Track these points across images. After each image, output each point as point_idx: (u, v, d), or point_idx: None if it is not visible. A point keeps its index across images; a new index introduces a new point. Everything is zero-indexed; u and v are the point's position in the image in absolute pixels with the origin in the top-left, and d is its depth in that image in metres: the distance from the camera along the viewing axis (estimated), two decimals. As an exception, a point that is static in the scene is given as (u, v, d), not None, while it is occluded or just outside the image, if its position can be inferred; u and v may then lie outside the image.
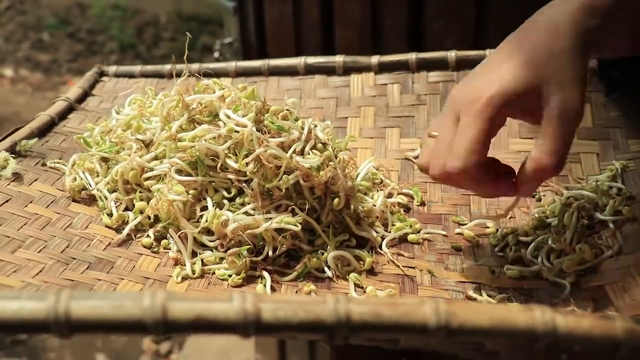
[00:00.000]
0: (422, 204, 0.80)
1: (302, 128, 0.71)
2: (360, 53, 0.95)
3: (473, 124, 0.60)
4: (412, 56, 0.91)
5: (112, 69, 1.00)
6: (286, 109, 0.73)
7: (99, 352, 2.09)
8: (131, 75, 0.99)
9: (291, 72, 0.95)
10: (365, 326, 0.38)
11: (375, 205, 0.75)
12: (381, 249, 0.72)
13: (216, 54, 1.67)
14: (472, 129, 0.60)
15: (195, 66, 0.95)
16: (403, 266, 0.70)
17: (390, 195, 0.80)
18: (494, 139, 0.83)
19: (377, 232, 0.73)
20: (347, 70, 0.93)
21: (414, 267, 0.70)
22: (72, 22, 3.27)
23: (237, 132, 0.69)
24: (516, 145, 0.84)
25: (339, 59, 0.93)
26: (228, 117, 0.70)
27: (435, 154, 0.63)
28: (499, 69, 0.61)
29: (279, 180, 0.68)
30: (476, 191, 0.67)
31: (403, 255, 0.72)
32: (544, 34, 0.61)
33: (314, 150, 0.70)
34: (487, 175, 0.63)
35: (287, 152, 0.68)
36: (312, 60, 0.94)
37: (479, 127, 0.60)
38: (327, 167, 0.69)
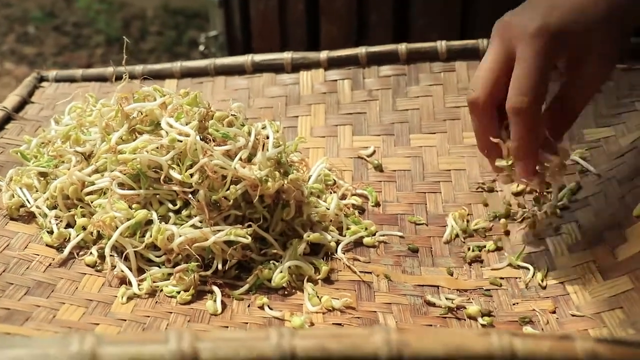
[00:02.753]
0: (377, 204, 0.77)
1: (249, 134, 0.68)
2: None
3: (538, 55, 0.58)
4: (361, 50, 0.89)
5: (52, 73, 0.95)
6: (232, 114, 0.70)
7: None
8: (72, 80, 0.95)
9: (239, 70, 0.92)
10: (312, 362, 0.36)
11: (328, 209, 0.73)
12: (336, 254, 0.70)
13: (201, 48, 1.66)
14: (537, 60, 0.58)
15: (138, 68, 0.91)
16: (359, 271, 0.68)
17: (344, 197, 0.77)
18: (448, 134, 0.83)
19: (331, 237, 0.71)
20: (296, 67, 0.91)
21: (370, 272, 0.68)
22: (58, 15, 3.19)
23: (180, 141, 0.65)
24: (470, 139, 0.81)
25: (287, 55, 0.90)
26: (170, 126, 0.67)
27: (482, 80, 0.62)
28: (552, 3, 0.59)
29: (226, 191, 0.65)
30: (527, 136, 0.60)
31: (359, 260, 0.70)
32: None
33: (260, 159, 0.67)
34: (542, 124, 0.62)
35: (233, 161, 0.65)
36: (259, 57, 0.91)
37: (544, 59, 0.58)
38: (277, 176, 0.67)
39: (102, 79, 0.94)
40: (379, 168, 0.81)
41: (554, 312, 0.62)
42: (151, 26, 2.96)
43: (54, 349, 0.35)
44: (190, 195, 0.66)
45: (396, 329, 0.37)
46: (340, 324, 0.61)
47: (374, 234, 0.73)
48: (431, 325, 0.61)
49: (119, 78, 0.79)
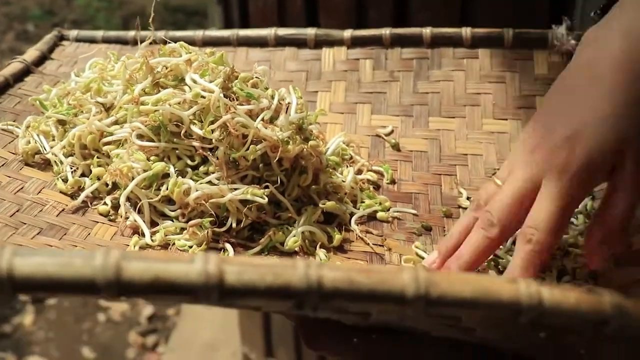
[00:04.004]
0: (393, 182, 0.77)
1: (272, 97, 0.68)
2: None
3: (566, 195, 0.54)
4: (386, 31, 0.89)
5: (73, 33, 0.95)
6: (256, 77, 0.69)
7: (85, 345, 2.05)
8: (92, 40, 0.94)
9: (261, 43, 0.91)
10: (338, 293, 0.35)
11: (344, 182, 0.73)
12: (350, 226, 0.70)
13: None
14: (562, 200, 0.54)
15: (160, 33, 0.91)
16: (372, 244, 0.67)
17: (359, 172, 0.77)
18: (467, 119, 0.82)
19: (345, 208, 0.71)
20: (319, 43, 0.90)
21: (382, 245, 0.68)
22: (57, 13, 3.21)
23: (204, 97, 0.65)
24: (489, 126, 0.82)
25: (310, 31, 0.90)
26: (194, 81, 0.67)
27: (494, 208, 0.57)
28: (580, 114, 0.55)
29: (246, 150, 0.64)
30: (525, 265, 0.56)
31: (372, 233, 0.69)
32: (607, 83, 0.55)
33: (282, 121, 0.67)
34: None
35: (255, 121, 0.65)
36: (282, 32, 0.91)
37: (573, 200, 0.55)
38: (297, 140, 0.66)
39: (123, 41, 0.94)
40: (396, 147, 0.80)
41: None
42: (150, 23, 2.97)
43: (79, 259, 0.35)
44: (209, 152, 0.65)
45: (425, 269, 0.36)
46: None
47: (388, 210, 0.72)
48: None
49: (137, 43, 0.79)
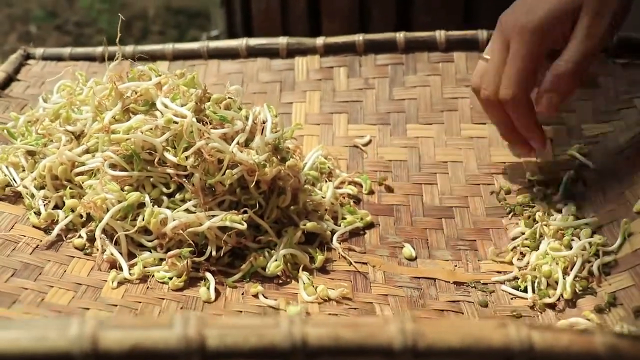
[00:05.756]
0: (371, 192, 0.76)
1: (247, 118, 0.66)
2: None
3: (523, 51, 0.65)
4: (359, 37, 0.87)
5: (39, 51, 0.92)
6: (229, 97, 0.68)
7: None
8: (60, 58, 0.92)
9: (232, 54, 0.90)
10: (324, 351, 0.34)
11: (324, 197, 0.71)
12: (332, 244, 0.69)
13: None
14: (522, 56, 0.66)
15: (129, 48, 0.89)
16: (355, 262, 0.67)
17: (339, 187, 0.76)
18: (446, 125, 0.82)
19: (327, 226, 0.69)
20: (291, 52, 0.89)
21: (366, 263, 0.67)
22: (60, 15, 3.15)
23: (176, 122, 0.63)
24: (468, 131, 0.81)
25: (282, 40, 0.88)
26: (166, 106, 0.65)
27: (488, 77, 0.69)
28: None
29: (222, 175, 0.63)
30: (521, 122, 0.70)
31: (354, 250, 0.68)
32: None
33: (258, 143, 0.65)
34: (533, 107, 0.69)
35: (230, 145, 0.63)
36: (254, 42, 0.89)
37: (530, 55, 0.65)
38: (274, 162, 0.65)
39: (90, 58, 0.92)
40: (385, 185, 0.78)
41: (553, 308, 0.61)
42: (153, 26, 2.92)
43: (53, 331, 0.33)
44: (184, 179, 0.64)
45: (412, 319, 0.35)
46: (336, 315, 0.60)
47: (370, 224, 0.72)
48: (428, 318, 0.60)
49: (107, 59, 0.77)
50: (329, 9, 1.24)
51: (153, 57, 0.89)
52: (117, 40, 0.73)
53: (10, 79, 0.87)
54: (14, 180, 0.68)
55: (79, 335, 0.33)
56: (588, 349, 0.35)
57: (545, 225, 0.67)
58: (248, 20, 1.39)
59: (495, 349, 0.35)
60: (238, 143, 0.64)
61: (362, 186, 0.76)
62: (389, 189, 0.76)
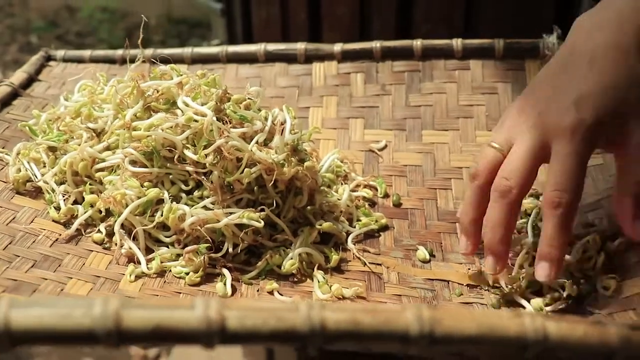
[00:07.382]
0: (386, 195, 0.77)
1: (266, 119, 0.67)
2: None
3: (580, 154, 0.57)
4: (376, 44, 0.88)
5: (60, 53, 0.94)
6: (249, 98, 0.69)
7: (87, 356, 2.03)
8: (80, 60, 0.93)
9: (250, 59, 0.91)
10: (342, 335, 0.35)
11: (340, 200, 0.72)
12: (347, 245, 0.69)
13: None
14: (577, 158, 0.57)
15: (149, 51, 0.90)
16: (369, 262, 0.67)
17: (355, 189, 0.76)
18: (461, 132, 0.82)
19: (342, 227, 0.70)
20: (309, 58, 0.90)
21: (380, 264, 0.67)
22: (61, 25, 3.19)
23: (196, 121, 0.64)
24: (483, 138, 0.82)
25: (300, 46, 0.89)
26: (187, 105, 0.66)
27: (509, 172, 0.59)
28: (584, 85, 0.58)
29: (241, 174, 0.64)
30: (559, 233, 0.58)
31: (369, 252, 0.69)
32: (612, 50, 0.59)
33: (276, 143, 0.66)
34: None
35: (249, 144, 0.64)
36: (272, 47, 0.90)
37: (586, 158, 0.58)
38: (292, 162, 0.66)
39: (111, 60, 0.93)
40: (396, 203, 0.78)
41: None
42: (154, 35, 2.95)
43: (77, 309, 0.34)
44: (203, 177, 0.65)
45: (429, 306, 0.36)
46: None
47: (385, 227, 0.72)
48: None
49: (126, 62, 0.78)
50: (329, 18, 1.25)
51: (172, 61, 0.89)
52: (140, 41, 0.74)
53: (31, 79, 0.88)
54: (35, 175, 0.69)
55: (103, 313, 0.34)
56: (602, 340, 0.36)
57: None
58: (249, 29, 1.40)
59: (510, 337, 0.35)
60: (257, 142, 0.65)
61: (377, 189, 0.77)
62: (397, 205, 0.76)
